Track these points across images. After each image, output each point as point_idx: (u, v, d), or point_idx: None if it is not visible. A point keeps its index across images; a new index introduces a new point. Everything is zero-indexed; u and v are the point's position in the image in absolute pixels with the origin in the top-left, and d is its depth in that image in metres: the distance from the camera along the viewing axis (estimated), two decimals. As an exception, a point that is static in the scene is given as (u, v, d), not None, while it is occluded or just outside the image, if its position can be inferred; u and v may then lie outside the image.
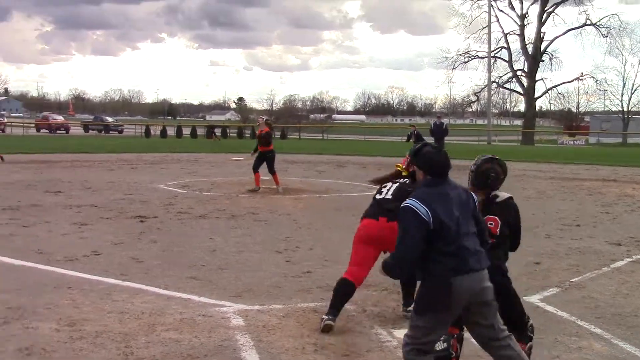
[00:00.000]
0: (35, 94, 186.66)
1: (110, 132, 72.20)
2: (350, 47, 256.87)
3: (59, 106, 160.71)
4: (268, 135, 18.73)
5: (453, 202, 4.33)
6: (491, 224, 5.08)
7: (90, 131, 73.12)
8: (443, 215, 4.24)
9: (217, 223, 12.95)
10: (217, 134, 59.70)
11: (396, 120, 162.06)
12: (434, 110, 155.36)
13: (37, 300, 7.23)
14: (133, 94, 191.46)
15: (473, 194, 4.61)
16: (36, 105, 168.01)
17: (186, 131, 63.16)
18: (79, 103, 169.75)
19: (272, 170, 18.52)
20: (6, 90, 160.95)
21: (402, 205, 4.34)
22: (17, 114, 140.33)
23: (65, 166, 26.26)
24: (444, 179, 4.44)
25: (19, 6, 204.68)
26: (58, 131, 70.00)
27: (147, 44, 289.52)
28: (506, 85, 76.34)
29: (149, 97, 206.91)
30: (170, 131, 62.94)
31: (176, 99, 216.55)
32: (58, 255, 9.56)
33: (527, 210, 15.60)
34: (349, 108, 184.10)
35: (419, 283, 4.52)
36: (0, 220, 12.69)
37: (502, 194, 5.26)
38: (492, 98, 79.49)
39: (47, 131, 70.41)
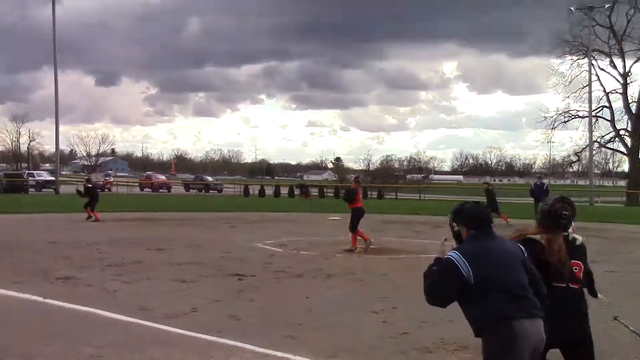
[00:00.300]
0: (140, 154, 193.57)
1: (210, 191, 73.74)
2: (447, 107, 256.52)
3: (161, 166, 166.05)
4: (350, 192, 18.59)
5: (498, 255, 4.36)
6: (576, 269, 4.95)
7: (191, 190, 74.90)
8: (486, 269, 4.27)
9: (314, 282, 12.95)
10: (309, 192, 59.96)
11: (494, 180, 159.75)
12: (533, 170, 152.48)
13: (138, 356, 7.36)
14: (232, 154, 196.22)
15: (521, 246, 4.61)
16: (140, 164, 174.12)
17: (284, 191, 63.93)
18: (181, 163, 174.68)
19: (351, 228, 18.31)
20: (113, 150, 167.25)
21: (445, 256, 4.40)
22: (122, 173, 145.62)
23: (167, 224, 26.95)
24: (487, 232, 4.47)
25: (127, 71, 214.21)
26: (160, 190, 72.14)
27: (247, 105, 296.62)
28: (608, 145, 74.26)
29: (248, 157, 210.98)
30: (269, 190, 63.84)
31: (274, 159, 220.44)
32: (159, 312, 9.74)
33: (637, 277, 14.94)
34: (446, 168, 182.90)
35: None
36: (105, 276, 13.08)
37: (578, 237, 5.12)
38: (594, 158, 77.39)
39: (150, 190, 72.66)
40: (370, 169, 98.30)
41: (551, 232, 4.99)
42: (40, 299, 10.66)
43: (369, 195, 60.71)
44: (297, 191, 62.49)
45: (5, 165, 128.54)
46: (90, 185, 31.31)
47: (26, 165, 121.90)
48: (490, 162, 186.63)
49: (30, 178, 68.68)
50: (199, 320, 9.33)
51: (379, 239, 18.99)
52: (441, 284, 4.37)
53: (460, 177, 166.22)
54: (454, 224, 4.65)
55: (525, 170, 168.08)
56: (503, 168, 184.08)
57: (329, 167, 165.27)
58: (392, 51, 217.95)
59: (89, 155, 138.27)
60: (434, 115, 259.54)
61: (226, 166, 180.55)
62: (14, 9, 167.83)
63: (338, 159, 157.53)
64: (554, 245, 4.90)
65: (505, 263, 4.36)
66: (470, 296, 4.32)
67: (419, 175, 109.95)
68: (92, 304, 10.15)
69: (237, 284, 12.50)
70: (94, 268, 14.25)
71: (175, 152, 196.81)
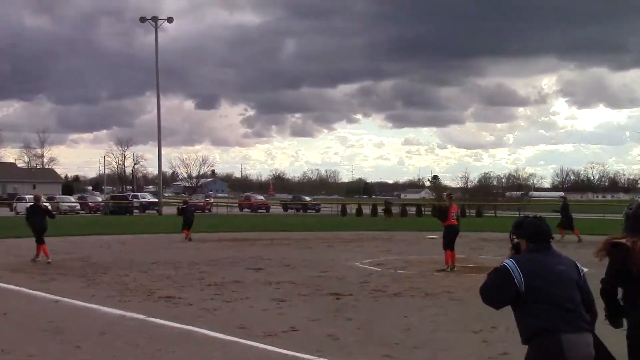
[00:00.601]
0: (239, 175, 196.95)
1: (308, 210, 74.30)
2: (546, 122, 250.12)
3: (260, 186, 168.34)
4: (442, 210, 18.37)
5: (550, 269, 4.47)
6: None
7: (289, 210, 75.71)
8: (537, 280, 4.39)
9: (412, 301, 12.83)
10: (392, 210, 59.50)
11: (597, 197, 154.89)
12: (639, 185, 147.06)
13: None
14: (330, 174, 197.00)
15: (578, 265, 4.67)
16: (239, 185, 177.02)
17: (381, 210, 63.75)
18: (279, 183, 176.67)
19: (445, 246, 18.08)
20: (213, 172, 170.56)
21: (501, 264, 4.58)
22: (222, 194, 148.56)
23: (265, 244, 27.27)
24: (544, 247, 4.60)
25: (225, 94, 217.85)
26: (259, 210, 73.12)
27: (343, 125, 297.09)
28: None
29: (345, 177, 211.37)
30: (366, 209, 63.81)
31: (371, 178, 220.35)
32: (258, 330, 9.84)
33: None
34: (546, 185, 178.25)
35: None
36: (206, 296, 13.32)
37: None
38: None
39: (249, 210, 73.75)
40: (468, 186, 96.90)
41: (637, 235, 4.83)
42: (143, 317, 10.94)
43: (467, 214, 59.83)
44: (380, 210, 62.29)
45: (111, 187, 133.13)
46: (185, 206, 32.08)
47: (131, 187, 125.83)
48: (592, 177, 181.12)
49: (134, 200, 70.93)
50: (298, 339, 9.37)
51: (477, 257, 18.67)
52: (494, 288, 4.56)
53: (562, 194, 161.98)
54: (514, 237, 4.77)
55: (631, 186, 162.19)
56: (606, 184, 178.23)
57: (426, 185, 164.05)
58: (489, 67, 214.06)
59: (190, 177, 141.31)
60: (533, 131, 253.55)
61: (323, 186, 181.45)
62: (119, 38, 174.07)
63: (435, 177, 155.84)
64: (638, 246, 4.72)
65: (557, 278, 4.46)
66: (521, 304, 4.46)
67: (518, 193, 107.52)
68: (193, 323, 10.35)
69: (335, 303, 12.50)
70: (195, 287, 14.54)
71: (273, 172, 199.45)
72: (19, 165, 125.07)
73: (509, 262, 4.52)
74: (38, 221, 19.89)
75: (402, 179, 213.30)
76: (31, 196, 68.52)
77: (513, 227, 4.82)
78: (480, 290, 4.65)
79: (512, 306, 4.55)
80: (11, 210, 65.35)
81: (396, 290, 14.23)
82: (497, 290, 4.55)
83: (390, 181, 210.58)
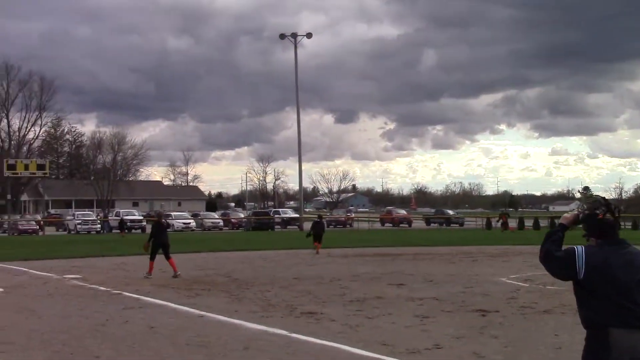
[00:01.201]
0: (379, 189, 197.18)
1: (451, 224, 73.45)
2: None
3: (401, 200, 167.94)
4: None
5: (614, 263, 4.50)
6: None
7: (432, 224, 75.12)
8: (596, 270, 4.48)
9: (563, 319, 12.38)
10: (507, 223, 57.68)
11: None
12: None
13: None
14: (473, 187, 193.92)
15: None
16: (381, 200, 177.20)
17: (528, 223, 62.15)
18: (421, 197, 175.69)
19: None
20: (354, 186, 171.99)
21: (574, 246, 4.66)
22: (363, 209, 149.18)
23: (407, 259, 27.16)
24: (614, 241, 4.64)
25: (365, 108, 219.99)
26: (401, 225, 72.97)
27: (486, 136, 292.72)
28: None
29: (490, 189, 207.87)
30: (512, 223, 62.42)
31: (517, 190, 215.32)
32: (401, 347, 9.78)
33: None
34: None
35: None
36: (348, 312, 13.39)
37: None
38: None
39: (390, 225, 73.74)
40: (623, 197, 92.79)
41: None
42: (285, 332, 11.12)
43: (623, 226, 57.28)
44: (495, 223, 60.64)
45: (253, 203, 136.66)
46: (317, 220, 32.53)
47: (272, 203, 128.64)
48: None
49: (276, 216, 72.49)
50: (442, 356, 9.25)
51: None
52: (557, 262, 4.65)
53: None
54: (598, 211, 4.73)
55: None
56: None
57: (577, 197, 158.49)
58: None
59: (330, 192, 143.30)
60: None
61: (467, 199, 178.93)
62: (258, 56, 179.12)
63: (586, 188, 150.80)
64: None
65: (619, 273, 4.49)
66: (579, 293, 4.60)
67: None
68: (335, 339, 10.42)
69: (481, 320, 12.26)
70: (336, 303, 14.64)
71: (415, 186, 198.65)
72: (165, 184, 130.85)
73: (578, 247, 4.61)
74: (164, 238, 20.95)
75: (550, 190, 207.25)
76: (178, 213, 71.85)
77: (582, 221, 4.81)
78: (541, 252, 4.75)
79: (575, 291, 4.66)
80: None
81: (546, 307, 13.79)
82: (559, 266, 4.66)
83: (538, 193, 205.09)
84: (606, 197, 4.98)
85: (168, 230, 22.53)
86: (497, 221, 59.60)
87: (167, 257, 20.78)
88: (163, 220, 22.22)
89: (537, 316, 12.74)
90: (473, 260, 26.34)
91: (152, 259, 20.79)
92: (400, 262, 25.82)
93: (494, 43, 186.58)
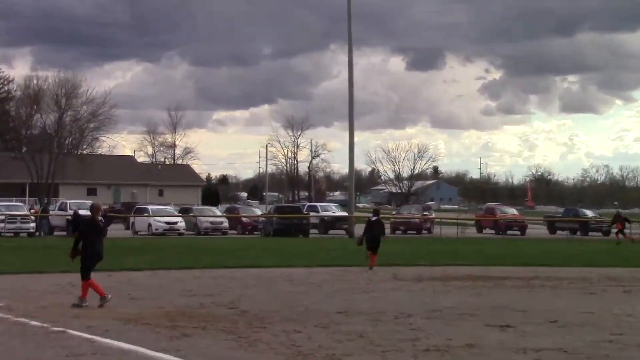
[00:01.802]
0: (475, 175, 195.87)
1: (590, 232, 72.74)
2: None
3: (510, 193, 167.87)
4: None
5: None
6: None
7: (559, 232, 74.43)
8: None
9: None
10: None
11: None
12: None
13: None
14: (627, 173, 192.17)
15: None
16: (477, 191, 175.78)
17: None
18: (542, 188, 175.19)
19: None
20: (436, 170, 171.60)
21: None
22: (449, 205, 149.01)
23: (518, 285, 27.06)
24: None
25: (454, 48, 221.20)
26: (509, 231, 72.52)
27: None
28: None
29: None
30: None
31: None
32: None
33: None
34: None
35: None
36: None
37: None
38: None
39: (492, 231, 73.37)
40: None
41: None
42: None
43: None
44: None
45: (276, 194, 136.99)
46: (375, 218, 32.51)
47: (306, 194, 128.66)
48: None
49: (311, 213, 72.21)
50: None
51: None
52: None
53: None
54: None
55: None
56: None
57: None
58: None
59: (399, 177, 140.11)
60: None
61: (617, 192, 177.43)
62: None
63: None
64: None
65: None
66: None
67: None
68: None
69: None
70: (405, 354, 14.60)
71: (533, 171, 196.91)
72: (139, 160, 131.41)
73: None
74: (94, 244, 20.77)
75: None
76: (157, 207, 72.09)
77: None
78: None
79: None
80: (128, 228, 68.69)
81: None
82: None
83: None
84: None
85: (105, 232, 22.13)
86: (611, 226, 61.16)
87: (85, 276, 20.58)
88: (100, 217, 21.88)
89: None
90: (625, 290, 26.26)
91: (85, 277, 20.64)
92: (506, 290, 25.79)
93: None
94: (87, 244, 20.81)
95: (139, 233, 64.41)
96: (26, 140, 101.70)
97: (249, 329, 17.22)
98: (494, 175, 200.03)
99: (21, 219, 63.38)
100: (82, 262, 20.79)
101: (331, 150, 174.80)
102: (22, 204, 75.54)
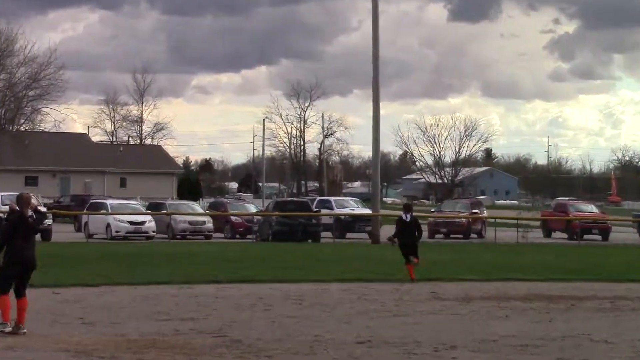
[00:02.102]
0: (541, 161, 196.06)
1: None
2: None
3: (588, 184, 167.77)
4: None
5: None
6: None
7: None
8: None
9: None
10: None
11: None
12: None
13: None
14: None
15: None
16: (544, 181, 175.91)
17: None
18: (631, 178, 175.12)
19: None
20: (489, 153, 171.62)
21: None
22: (506, 201, 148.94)
23: (598, 308, 27.08)
24: None
25: None
26: (587, 235, 72.51)
27: None
28: None
29: None
30: None
31: None
32: None
33: None
34: None
35: None
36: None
37: None
38: None
39: (565, 235, 73.38)
40: None
41: None
42: None
43: None
44: None
45: (277, 184, 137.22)
46: (405, 218, 32.60)
47: (316, 184, 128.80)
48: None
49: (324, 210, 72.09)
50: None
51: None
52: None
53: None
54: None
55: None
56: None
57: None
58: None
59: (439, 163, 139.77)
60: None
61: None
62: None
63: None
64: None
65: None
66: None
67: None
68: None
69: None
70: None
71: (618, 155, 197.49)
72: (94, 140, 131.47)
73: None
74: (22, 248, 20.75)
75: None
76: (118, 202, 72.24)
77: None
78: None
79: None
80: (79, 230, 68.87)
81: None
82: None
83: None
84: None
85: (40, 231, 22.07)
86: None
87: (20, 294, 20.60)
88: (29, 210, 21.82)
89: None
90: None
91: (4, 290, 20.64)
92: (584, 314, 25.79)
93: None
94: (10, 246, 20.79)
95: (94, 236, 64.50)
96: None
97: (239, 364, 17.29)
98: (566, 161, 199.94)
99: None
100: (1, 270, 20.79)
101: (349, 127, 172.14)
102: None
